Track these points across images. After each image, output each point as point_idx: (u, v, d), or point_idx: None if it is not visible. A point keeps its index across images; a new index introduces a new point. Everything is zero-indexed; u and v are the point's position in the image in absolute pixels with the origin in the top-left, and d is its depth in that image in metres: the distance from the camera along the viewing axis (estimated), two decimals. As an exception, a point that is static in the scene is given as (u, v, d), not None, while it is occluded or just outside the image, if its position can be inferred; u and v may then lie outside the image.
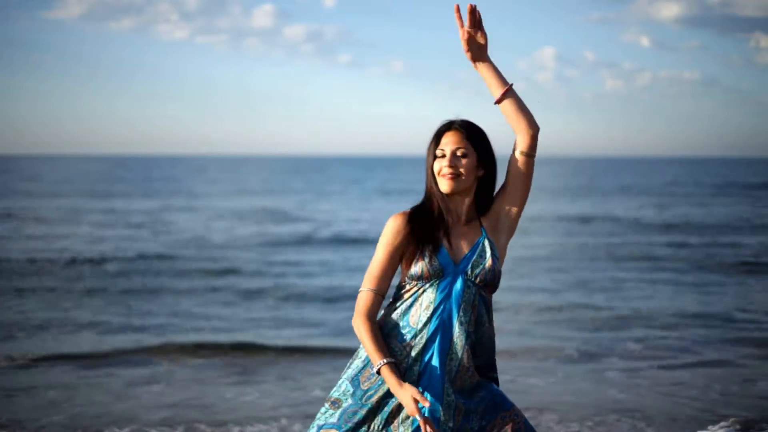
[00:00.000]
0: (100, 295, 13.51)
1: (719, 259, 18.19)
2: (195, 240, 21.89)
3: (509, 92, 3.14)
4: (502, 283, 3.30)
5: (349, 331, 10.75)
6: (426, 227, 3.12)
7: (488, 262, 3.09)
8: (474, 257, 3.10)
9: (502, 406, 3.11)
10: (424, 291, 3.08)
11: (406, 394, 2.96)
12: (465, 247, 3.12)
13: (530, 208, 33.06)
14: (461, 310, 3.06)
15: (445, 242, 3.11)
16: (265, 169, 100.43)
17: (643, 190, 51.18)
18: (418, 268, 3.07)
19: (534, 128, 3.13)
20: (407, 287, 3.12)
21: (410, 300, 3.10)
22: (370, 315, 3.10)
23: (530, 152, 3.14)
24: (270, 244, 21.24)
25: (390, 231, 3.13)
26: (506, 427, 3.08)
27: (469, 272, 3.08)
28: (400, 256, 3.13)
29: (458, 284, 3.08)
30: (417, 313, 3.08)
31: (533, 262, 17.89)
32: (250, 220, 28.84)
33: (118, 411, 7.25)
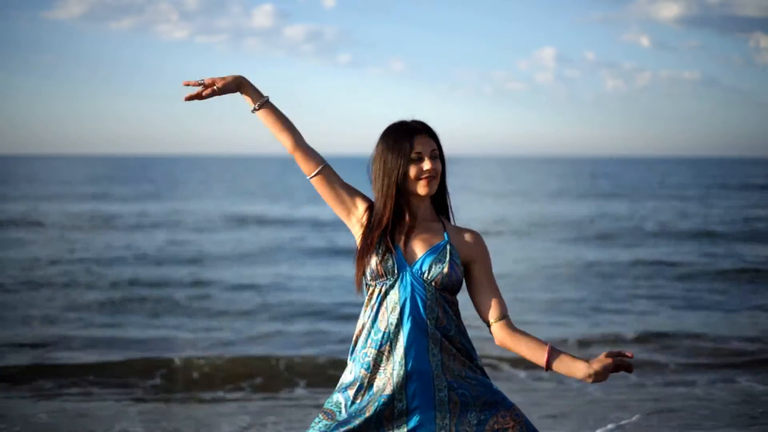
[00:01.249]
0: (69, 307, 12.84)
1: (720, 266, 17.71)
2: (183, 248, 21.39)
3: (551, 354, 3.13)
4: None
5: (333, 341, 10.62)
6: (380, 231, 3.15)
7: (445, 267, 3.10)
8: (431, 259, 3.12)
9: (502, 404, 3.11)
10: (387, 293, 3.11)
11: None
12: (422, 248, 3.15)
13: (529, 209, 33.36)
14: (427, 308, 3.08)
15: (401, 243, 3.15)
16: (266, 169, 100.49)
17: (643, 191, 51.16)
18: (373, 263, 3.11)
19: (502, 344, 3.19)
20: (370, 290, 3.15)
21: (376, 305, 3.12)
22: (304, 143, 3.30)
23: (487, 324, 3.20)
24: (263, 253, 20.66)
25: (356, 191, 3.31)
26: (507, 425, 3.07)
27: (426, 274, 3.10)
28: (347, 206, 3.28)
29: (417, 284, 3.10)
30: (384, 317, 3.10)
31: (529, 268, 17.70)
32: (245, 224, 28.72)
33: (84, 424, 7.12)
